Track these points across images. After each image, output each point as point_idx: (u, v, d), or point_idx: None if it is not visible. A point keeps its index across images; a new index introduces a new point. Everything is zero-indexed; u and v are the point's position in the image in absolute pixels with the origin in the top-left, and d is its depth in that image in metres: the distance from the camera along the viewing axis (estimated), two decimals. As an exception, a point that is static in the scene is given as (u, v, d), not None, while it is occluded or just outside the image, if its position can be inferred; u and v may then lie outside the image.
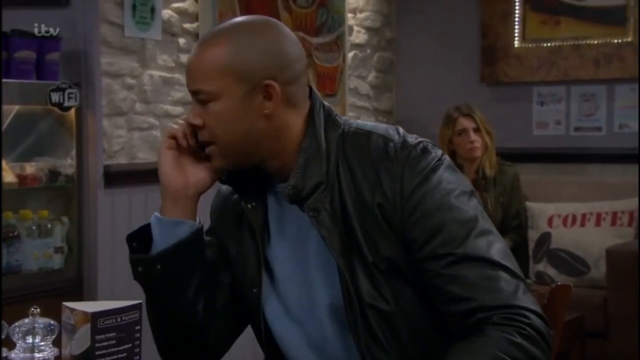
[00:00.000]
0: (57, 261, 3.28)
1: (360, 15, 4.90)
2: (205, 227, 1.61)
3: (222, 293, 1.61)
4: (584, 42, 4.76)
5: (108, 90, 3.37)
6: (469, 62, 5.02)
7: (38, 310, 1.36)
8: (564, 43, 4.80)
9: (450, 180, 1.46)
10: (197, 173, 1.52)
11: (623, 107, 4.71)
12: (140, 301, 1.33)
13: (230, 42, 1.47)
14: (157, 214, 1.54)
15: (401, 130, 1.52)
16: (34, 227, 3.20)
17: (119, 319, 1.28)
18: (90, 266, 3.34)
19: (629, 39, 4.65)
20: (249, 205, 1.55)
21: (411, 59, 5.20)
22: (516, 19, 4.90)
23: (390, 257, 1.45)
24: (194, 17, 3.76)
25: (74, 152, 3.31)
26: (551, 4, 4.83)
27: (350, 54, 4.78)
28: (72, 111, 3.26)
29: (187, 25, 3.72)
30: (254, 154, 1.50)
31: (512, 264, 1.43)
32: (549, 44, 4.83)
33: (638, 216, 4.05)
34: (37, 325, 1.34)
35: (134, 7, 3.45)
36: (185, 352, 1.59)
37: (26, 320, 1.35)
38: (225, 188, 1.64)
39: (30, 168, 3.21)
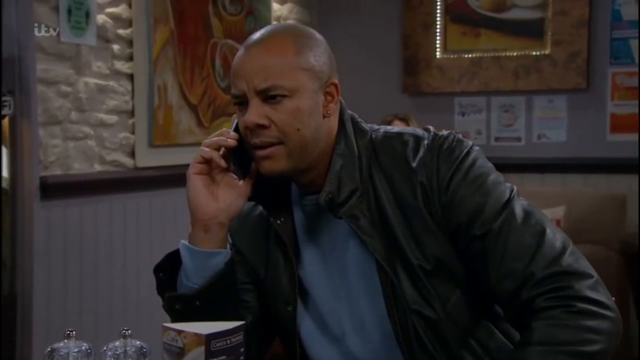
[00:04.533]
0: (-11, 279, 3.10)
1: (284, 24, 4.87)
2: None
3: (250, 313, 1.56)
4: (503, 54, 4.88)
5: (43, 98, 3.21)
6: (391, 72, 5.07)
7: (129, 332, 1.27)
8: (484, 54, 4.91)
9: (483, 165, 1.46)
10: (228, 197, 1.46)
11: (541, 118, 4.85)
12: (244, 322, 1.26)
13: (297, 40, 1.43)
14: (185, 242, 1.46)
15: (431, 128, 1.51)
16: (-34, 243, 3.01)
17: (228, 341, 1.21)
18: (25, 283, 3.16)
19: (547, 52, 4.80)
20: (278, 221, 1.51)
21: (333, 68, 5.19)
22: (437, 31, 4.98)
23: (437, 255, 1.42)
24: (128, 23, 3.63)
25: (5, 162, 3.14)
26: (471, 16, 4.93)
27: (276, 63, 4.72)
28: (6, 120, 3.09)
29: (121, 31, 3.59)
30: (310, 156, 1.45)
31: (555, 228, 1.41)
32: (469, 55, 4.93)
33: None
34: (128, 348, 1.25)
35: (69, 12, 3.30)
36: None
37: (117, 343, 1.26)
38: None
39: (-39, 180, 3.02)
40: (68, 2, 3.29)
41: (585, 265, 1.38)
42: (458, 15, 4.95)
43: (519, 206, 1.41)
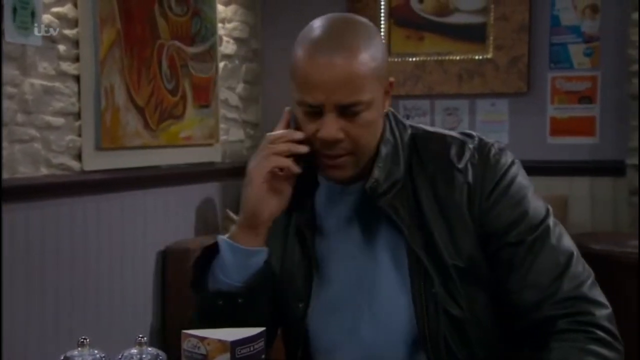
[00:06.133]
0: None
1: (228, 25, 4.83)
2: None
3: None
4: (447, 57, 4.93)
5: (-12, 100, 3.11)
6: (336, 75, 5.05)
7: (145, 339, 1.22)
8: (428, 58, 4.95)
9: (525, 177, 1.50)
10: (279, 198, 1.46)
11: (484, 121, 4.92)
12: (265, 328, 1.24)
13: (366, 46, 1.39)
14: (228, 239, 1.45)
15: (474, 132, 1.54)
16: None
17: (251, 348, 1.19)
18: (-31, 291, 3.06)
19: (489, 56, 4.87)
20: (303, 218, 1.51)
21: (277, 70, 5.17)
22: (382, 34, 5.00)
23: (471, 255, 1.44)
24: (74, 23, 3.54)
25: (-52, 167, 3.03)
26: (415, 20, 4.96)
27: (221, 65, 4.69)
28: (-51, 122, 2.99)
29: (66, 32, 3.50)
30: (370, 157, 1.46)
31: (580, 256, 1.45)
32: (413, 59, 4.96)
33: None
34: (144, 355, 1.21)
35: (14, 11, 3.20)
36: None
37: (133, 351, 1.22)
38: None
39: None
40: (13, 1, 3.19)
41: (603, 296, 1.42)
42: (402, 18, 4.98)
43: (554, 225, 1.46)
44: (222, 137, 4.73)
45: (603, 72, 4.74)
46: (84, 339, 1.23)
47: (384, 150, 1.46)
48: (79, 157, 3.55)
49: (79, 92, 3.55)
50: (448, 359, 1.44)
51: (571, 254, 1.43)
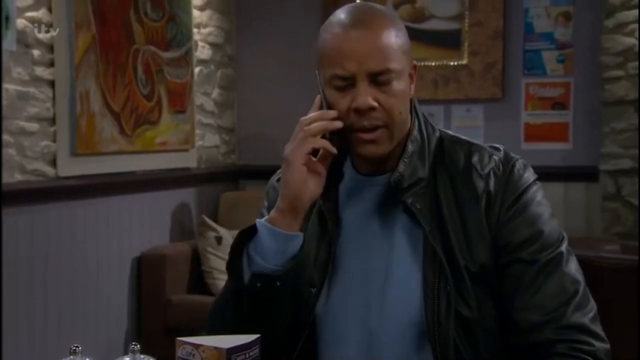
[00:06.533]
0: None
1: (204, 31, 4.82)
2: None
3: None
4: (422, 63, 4.94)
5: (-38, 105, 3.08)
6: (312, 81, 5.05)
7: (138, 346, 1.21)
8: (404, 64, 4.96)
9: (544, 198, 1.52)
10: (318, 181, 1.47)
11: (459, 127, 4.94)
12: (259, 335, 1.23)
13: (395, 23, 1.46)
14: (267, 224, 1.44)
15: (501, 146, 1.56)
16: None
17: (247, 355, 1.18)
18: (-58, 298, 3.02)
19: (464, 62, 4.89)
20: (326, 205, 1.52)
21: (253, 75, 5.17)
22: (357, 40, 5.00)
23: (484, 261, 1.46)
24: (48, 27, 3.51)
25: None
26: (390, 26, 4.97)
27: (196, 70, 4.68)
28: None
29: (41, 36, 3.47)
30: (401, 139, 1.49)
31: (587, 289, 1.47)
32: (389, 65, 4.97)
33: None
34: None
35: (-12, 15, 3.18)
36: None
37: (126, 358, 1.20)
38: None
39: None
40: (-13, 5, 3.17)
41: (603, 331, 1.44)
42: (377, 24, 4.99)
43: (567, 253, 1.48)
44: (198, 143, 4.72)
45: (576, 79, 4.78)
46: (76, 346, 1.21)
47: (410, 147, 1.49)
48: (53, 162, 3.53)
49: (53, 98, 3.53)
50: (455, 359, 1.45)
51: (579, 284, 1.45)
